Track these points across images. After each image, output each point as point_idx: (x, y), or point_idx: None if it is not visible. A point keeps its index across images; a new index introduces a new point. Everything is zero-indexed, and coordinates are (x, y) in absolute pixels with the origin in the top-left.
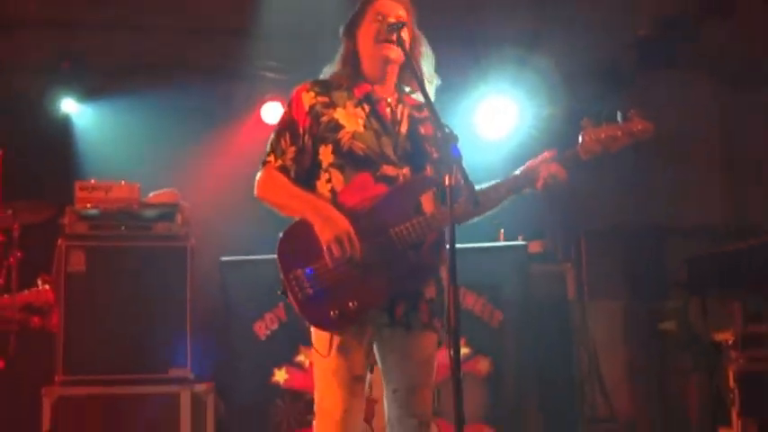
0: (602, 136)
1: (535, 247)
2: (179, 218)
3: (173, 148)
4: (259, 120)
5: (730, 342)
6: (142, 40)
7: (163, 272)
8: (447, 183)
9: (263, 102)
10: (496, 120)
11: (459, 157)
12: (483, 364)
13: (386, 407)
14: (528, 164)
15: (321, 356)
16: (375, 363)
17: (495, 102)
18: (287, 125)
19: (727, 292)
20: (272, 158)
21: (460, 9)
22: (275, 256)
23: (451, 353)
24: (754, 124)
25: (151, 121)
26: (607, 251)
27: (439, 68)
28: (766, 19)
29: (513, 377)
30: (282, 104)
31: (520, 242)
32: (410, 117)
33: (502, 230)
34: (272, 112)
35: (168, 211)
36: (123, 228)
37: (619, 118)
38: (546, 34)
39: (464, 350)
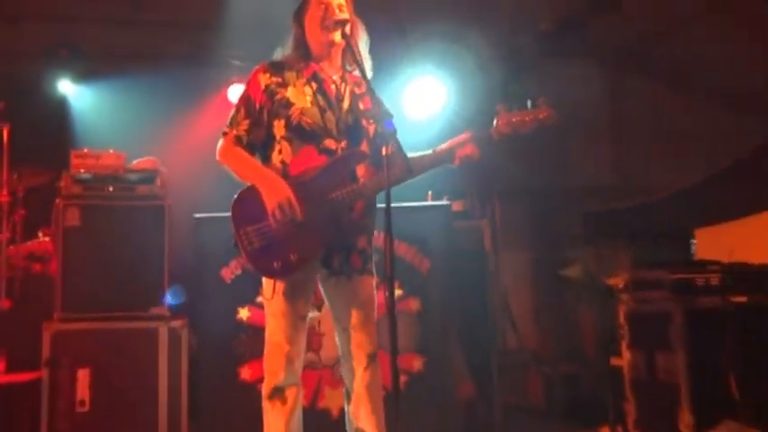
0: (513, 120)
1: (457, 206)
2: (158, 181)
3: (153, 122)
4: (225, 99)
5: (620, 286)
6: (128, 32)
7: (145, 226)
8: (384, 153)
9: (229, 84)
10: (423, 101)
11: (393, 130)
12: (413, 304)
13: (338, 343)
14: (448, 143)
15: (266, 299)
16: (322, 303)
17: (422, 84)
18: (244, 101)
19: (617, 243)
20: (229, 130)
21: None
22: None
23: (387, 295)
24: (638, 103)
25: (135, 100)
26: (516, 209)
27: (371, 53)
28: (648, 13)
29: (439, 314)
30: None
31: (445, 202)
32: (351, 93)
33: (430, 192)
34: (236, 93)
35: (149, 176)
36: (111, 189)
37: (529, 105)
38: (466, 27)
39: (398, 292)
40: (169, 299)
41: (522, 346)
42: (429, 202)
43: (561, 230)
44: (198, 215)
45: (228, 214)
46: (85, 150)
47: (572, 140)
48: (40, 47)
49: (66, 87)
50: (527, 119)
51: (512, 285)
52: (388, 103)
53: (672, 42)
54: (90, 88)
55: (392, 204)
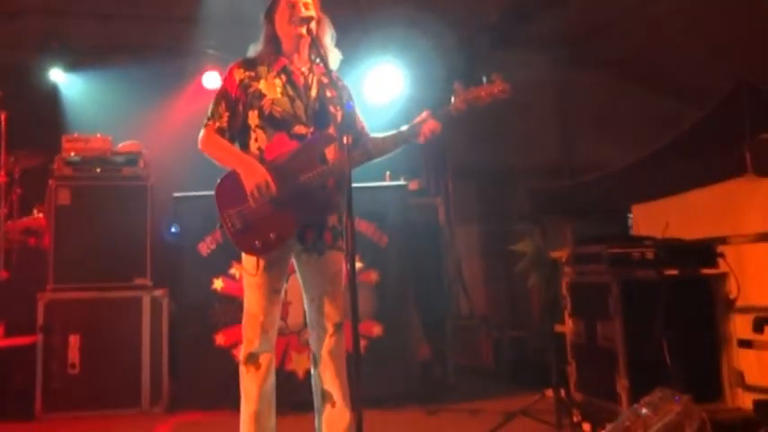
0: (470, 96)
1: (413, 185)
2: (141, 163)
3: (136, 107)
4: (200, 85)
5: (564, 259)
6: (113, 25)
7: (129, 205)
8: (345, 141)
9: (204, 71)
10: (383, 87)
11: (352, 110)
12: (373, 276)
13: (306, 313)
14: (412, 122)
15: (250, 275)
16: (289, 274)
17: (382, 71)
18: (222, 95)
19: (561, 219)
20: (211, 122)
21: None
22: (212, 193)
23: (348, 268)
24: (583, 90)
25: (120, 87)
26: (468, 186)
27: (336, 42)
28: (592, 9)
29: (396, 284)
30: (219, 74)
31: (402, 182)
32: (319, 83)
33: (388, 173)
34: (210, 79)
35: (133, 158)
36: (99, 170)
37: (484, 80)
38: (422, 18)
39: (358, 264)
40: (172, 230)
41: (473, 312)
42: (387, 183)
43: (510, 207)
44: (177, 194)
45: (205, 193)
46: (75, 135)
47: (521, 123)
48: (33, 39)
49: (57, 76)
50: (482, 93)
51: (464, 256)
52: (349, 89)
53: (614, 34)
54: (79, 77)
55: (353, 185)
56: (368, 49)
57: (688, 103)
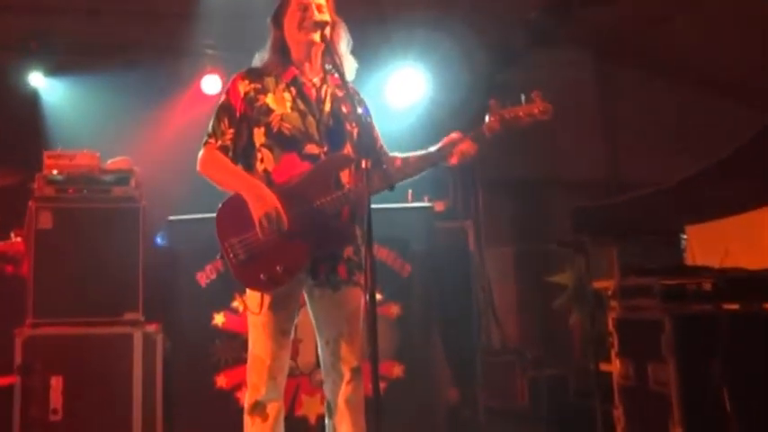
0: (506, 116)
1: (439, 206)
2: (133, 182)
3: (127, 116)
4: (199, 91)
5: (610, 292)
6: (99, 23)
7: (119, 229)
8: (364, 165)
9: (203, 74)
10: (405, 90)
11: (370, 128)
12: (393, 309)
13: (320, 355)
14: (442, 142)
15: (252, 313)
16: (302, 306)
17: (404, 74)
18: (225, 110)
19: (606, 240)
20: (212, 140)
21: None
22: (214, 215)
23: (368, 303)
24: (630, 94)
25: (108, 94)
26: (501, 202)
27: (354, 44)
28: (637, 4)
29: (420, 319)
30: (220, 77)
31: (426, 203)
32: (333, 96)
33: (410, 191)
34: (210, 84)
35: (123, 177)
36: (85, 191)
37: (522, 99)
38: (450, 15)
39: (377, 297)
40: (159, 240)
41: (506, 346)
42: (410, 204)
43: (548, 226)
44: (172, 217)
45: (205, 216)
46: (59, 150)
47: (560, 132)
48: (9, 38)
49: (37, 81)
50: (521, 114)
51: (496, 282)
52: (369, 93)
53: (663, 30)
54: (62, 81)
55: (372, 206)
56: (389, 51)
57: (750, 109)
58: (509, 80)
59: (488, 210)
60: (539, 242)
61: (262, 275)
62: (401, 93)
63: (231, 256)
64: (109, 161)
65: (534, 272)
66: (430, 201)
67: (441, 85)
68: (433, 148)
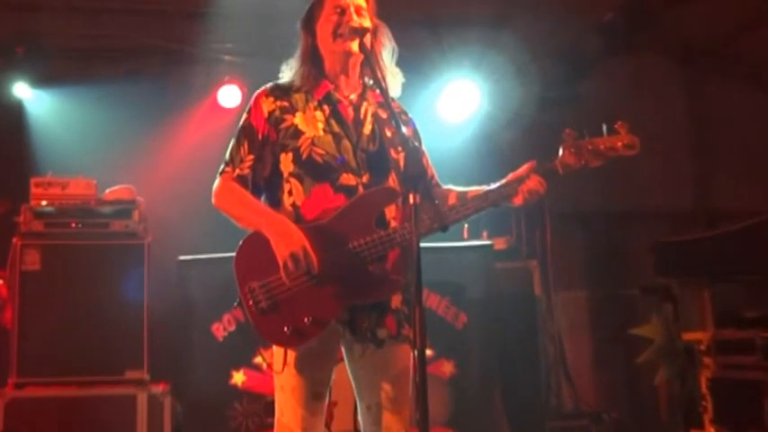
0: (584, 149)
1: (500, 243)
2: (136, 215)
3: (129, 135)
4: (216, 103)
5: (703, 347)
6: (97, 23)
7: (120, 271)
8: (412, 201)
9: (220, 85)
10: (459, 103)
11: (419, 154)
12: (446, 367)
13: (361, 423)
14: (507, 178)
15: (275, 372)
16: (339, 361)
17: (458, 86)
18: (246, 132)
19: (696, 282)
20: (229, 168)
21: None
22: (233, 254)
23: (417, 362)
24: (723, 110)
25: (107, 107)
26: (572, 241)
27: (402, 54)
28: (730, 4)
29: (477, 379)
30: (239, 88)
31: (485, 242)
32: (374, 117)
33: (465, 226)
34: (229, 96)
35: (125, 208)
36: (80, 225)
37: (604, 130)
38: (509, 18)
39: (427, 352)
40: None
41: (579, 408)
42: (465, 242)
43: (627, 266)
44: (183, 257)
45: (221, 255)
46: (49, 177)
47: (641, 156)
48: None
49: (23, 92)
50: (602, 147)
51: (567, 333)
52: (420, 107)
53: (760, 38)
54: (52, 93)
55: (421, 245)
56: (442, 63)
57: None
58: (580, 94)
59: (558, 247)
60: (617, 286)
61: (285, 327)
62: (455, 106)
63: (251, 303)
64: (107, 190)
65: (613, 321)
66: (489, 237)
67: (496, 97)
68: (495, 185)
